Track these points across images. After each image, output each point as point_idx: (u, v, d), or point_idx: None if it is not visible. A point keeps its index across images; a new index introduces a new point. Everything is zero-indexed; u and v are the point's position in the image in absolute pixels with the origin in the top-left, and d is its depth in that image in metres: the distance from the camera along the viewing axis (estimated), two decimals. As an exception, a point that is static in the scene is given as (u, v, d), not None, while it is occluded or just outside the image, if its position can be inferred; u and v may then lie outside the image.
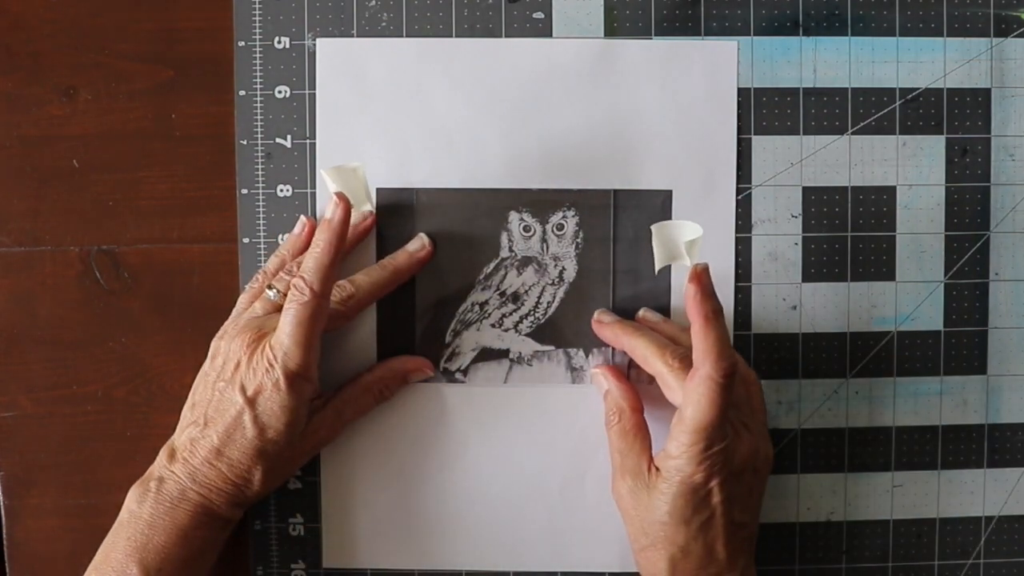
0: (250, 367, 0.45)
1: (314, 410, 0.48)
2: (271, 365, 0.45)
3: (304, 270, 0.45)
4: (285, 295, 0.47)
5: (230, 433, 0.45)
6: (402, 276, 0.50)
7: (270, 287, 0.47)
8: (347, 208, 0.46)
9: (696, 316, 0.43)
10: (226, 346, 0.46)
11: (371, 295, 0.49)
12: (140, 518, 0.45)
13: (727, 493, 0.45)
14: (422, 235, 0.51)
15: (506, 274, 0.52)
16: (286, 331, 0.45)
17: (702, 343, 0.43)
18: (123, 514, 0.46)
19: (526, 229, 0.52)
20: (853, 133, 0.52)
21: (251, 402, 0.45)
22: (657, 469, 0.46)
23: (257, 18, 0.51)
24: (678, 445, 0.44)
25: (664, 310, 0.51)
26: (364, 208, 0.48)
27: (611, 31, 0.51)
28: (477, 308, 0.52)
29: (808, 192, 0.52)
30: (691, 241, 0.45)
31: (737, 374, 0.44)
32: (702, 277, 0.43)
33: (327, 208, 0.46)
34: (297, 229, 0.50)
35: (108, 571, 0.45)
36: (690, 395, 0.44)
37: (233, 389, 0.45)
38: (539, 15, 0.51)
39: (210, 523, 0.46)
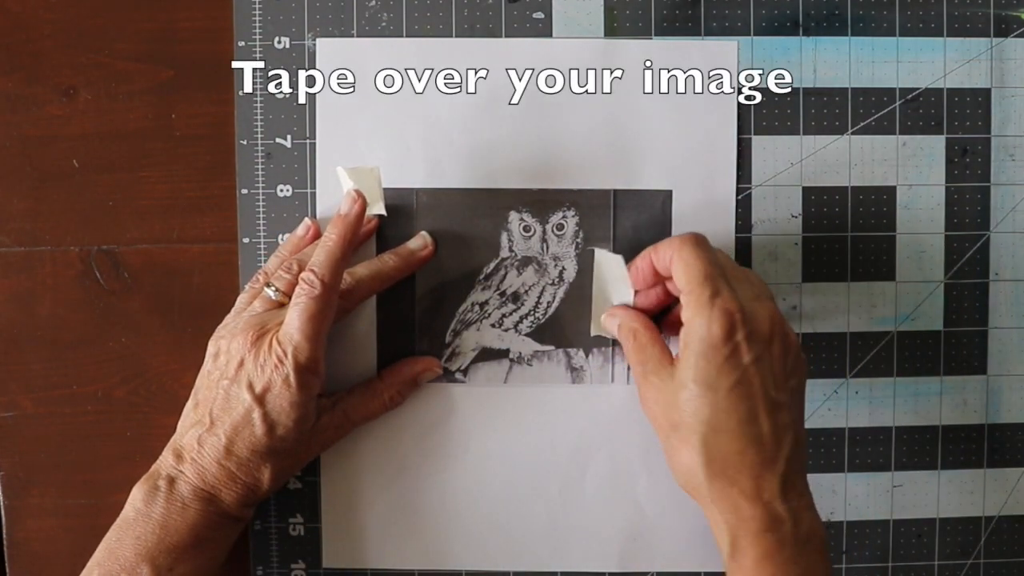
0: (257, 364, 0.45)
1: (322, 409, 0.48)
2: (280, 361, 0.45)
3: (315, 263, 0.45)
4: (285, 293, 0.47)
5: (238, 431, 0.45)
6: (402, 272, 0.50)
7: (269, 285, 0.47)
8: (363, 205, 0.47)
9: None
10: (227, 344, 0.46)
11: (370, 289, 0.49)
12: (150, 518, 0.45)
13: (756, 354, 0.43)
14: (424, 233, 0.51)
15: (506, 274, 0.52)
16: (295, 325, 0.45)
17: (668, 241, 0.46)
18: (128, 512, 0.46)
19: (526, 229, 0.52)
20: (853, 133, 0.52)
21: (260, 399, 0.45)
22: (677, 357, 0.45)
23: (257, 18, 0.51)
24: (687, 306, 0.43)
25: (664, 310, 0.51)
26: (376, 209, 0.48)
27: (611, 31, 0.51)
28: (477, 308, 0.52)
29: (808, 192, 0.52)
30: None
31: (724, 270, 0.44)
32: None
33: (343, 203, 0.47)
34: (300, 231, 0.50)
35: (116, 569, 0.45)
36: (677, 264, 0.44)
37: (240, 387, 0.45)
38: (539, 15, 0.51)
39: (221, 523, 0.46)
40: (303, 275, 0.45)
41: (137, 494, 0.46)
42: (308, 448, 0.48)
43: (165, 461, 0.47)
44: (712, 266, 0.44)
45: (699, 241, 0.45)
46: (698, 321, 0.43)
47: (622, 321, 0.48)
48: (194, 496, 0.45)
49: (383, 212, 0.48)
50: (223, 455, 0.45)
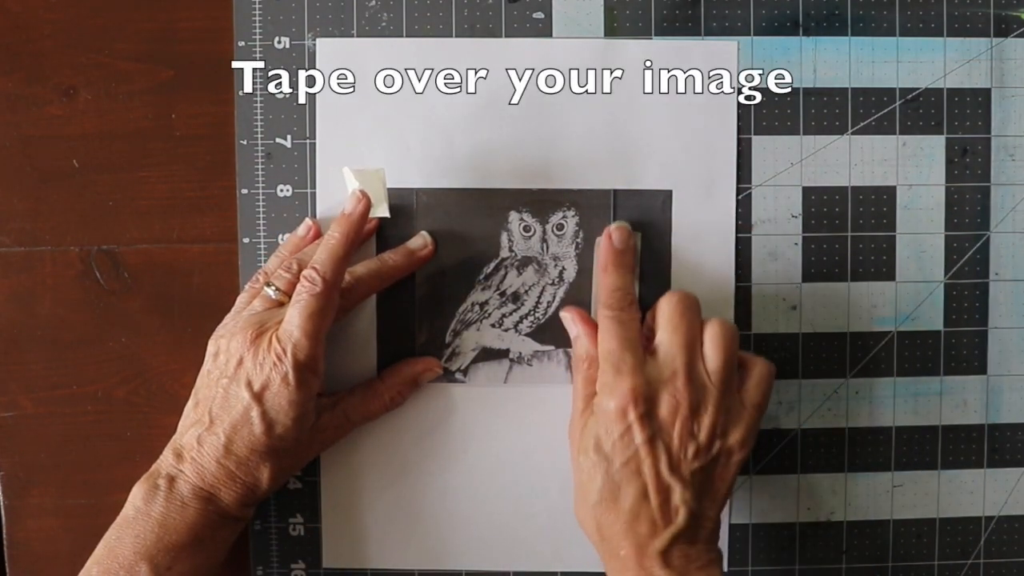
0: (256, 362, 0.45)
1: (322, 408, 0.48)
2: (279, 359, 0.45)
3: (317, 261, 0.45)
4: (285, 292, 0.47)
5: (237, 430, 0.45)
6: (401, 272, 0.50)
7: (269, 284, 0.47)
8: (367, 205, 0.47)
9: (599, 264, 0.49)
10: (226, 343, 0.46)
11: (370, 288, 0.49)
12: (150, 516, 0.45)
13: (649, 434, 0.44)
14: (424, 233, 0.51)
15: (506, 274, 0.52)
16: (295, 323, 0.45)
17: (601, 287, 0.48)
18: (128, 511, 0.46)
19: (526, 229, 0.52)
20: (853, 133, 0.52)
21: (258, 397, 0.45)
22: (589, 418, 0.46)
23: (257, 18, 0.51)
24: (599, 376, 0.46)
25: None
26: (380, 211, 0.48)
27: (611, 31, 0.51)
28: (477, 308, 0.52)
29: (808, 192, 0.52)
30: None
31: (665, 321, 0.46)
32: (612, 233, 0.49)
33: (348, 203, 0.47)
34: (301, 231, 0.50)
35: (115, 568, 0.45)
36: (600, 332, 0.47)
37: (239, 385, 0.45)
38: (539, 15, 0.51)
39: (221, 522, 0.46)
40: (305, 272, 0.45)
41: (137, 493, 0.46)
42: (308, 448, 0.48)
43: (165, 460, 0.47)
44: (620, 345, 0.45)
45: (615, 316, 0.47)
46: (598, 389, 0.46)
47: (581, 338, 0.48)
48: (193, 495, 0.45)
49: (387, 214, 0.48)
50: (222, 454, 0.45)
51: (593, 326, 0.48)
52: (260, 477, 0.46)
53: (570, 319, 0.49)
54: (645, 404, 0.44)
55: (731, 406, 0.46)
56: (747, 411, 0.46)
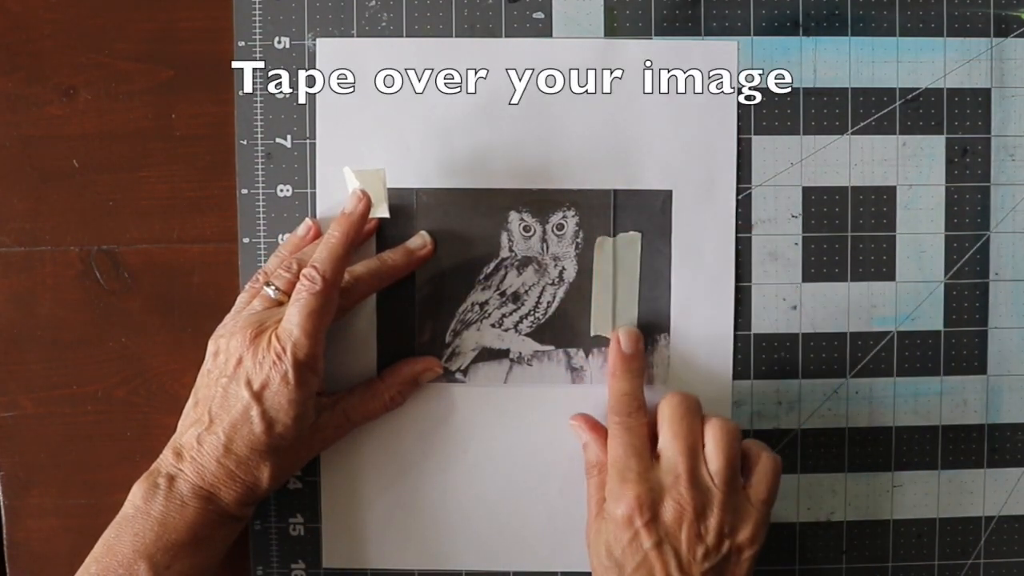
0: (255, 361, 0.45)
1: (322, 408, 0.48)
2: (279, 358, 0.45)
3: (317, 260, 0.46)
4: (285, 292, 0.47)
5: (237, 429, 0.45)
6: (401, 271, 0.50)
7: (268, 284, 0.47)
8: (368, 204, 0.47)
9: (609, 368, 0.50)
10: (226, 343, 0.46)
11: (369, 287, 0.49)
12: (149, 515, 0.45)
13: (657, 539, 0.45)
14: (423, 232, 0.51)
15: (506, 274, 0.52)
16: (295, 321, 0.45)
17: (610, 391, 0.49)
18: (127, 509, 0.46)
19: (526, 229, 0.52)
20: (853, 133, 0.52)
21: (258, 396, 0.45)
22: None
23: (257, 18, 0.51)
24: (607, 481, 0.47)
25: (664, 309, 0.51)
26: (380, 212, 0.48)
27: (611, 31, 0.51)
28: (477, 308, 0.52)
29: (808, 192, 0.52)
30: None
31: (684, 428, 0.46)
32: (621, 338, 0.50)
33: (348, 202, 0.47)
34: (301, 231, 0.50)
35: (114, 565, 0.45)
36: (608, 439, 0.48)
37: (238, 385, 0.45)
38: (539, 15, 0.51)
39: (220, 522, 0.46)
40: (305, 271, 0.45)
41: (137, 491, 0.46)
42: (308, 447, 0.48)
43: (165, 459, 0.47)
44: (626, 452, 0.47)
45: (623, 423, 0.48)
46: (608, 496, 0.47)
47: (590, 446, 0.50)
48: (193, 494, 0.45)
49: (387, 214, 0.48)
50: (222, 453, 0.45)
51: (600, 431, 0.49)
52: (260, 476, 0.46)
53: (578, 427, 0.50)
54: (650, 511, 0.45)
55: (737, 504, 0.46)
56: (754, 507, 0.46)
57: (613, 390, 0.49)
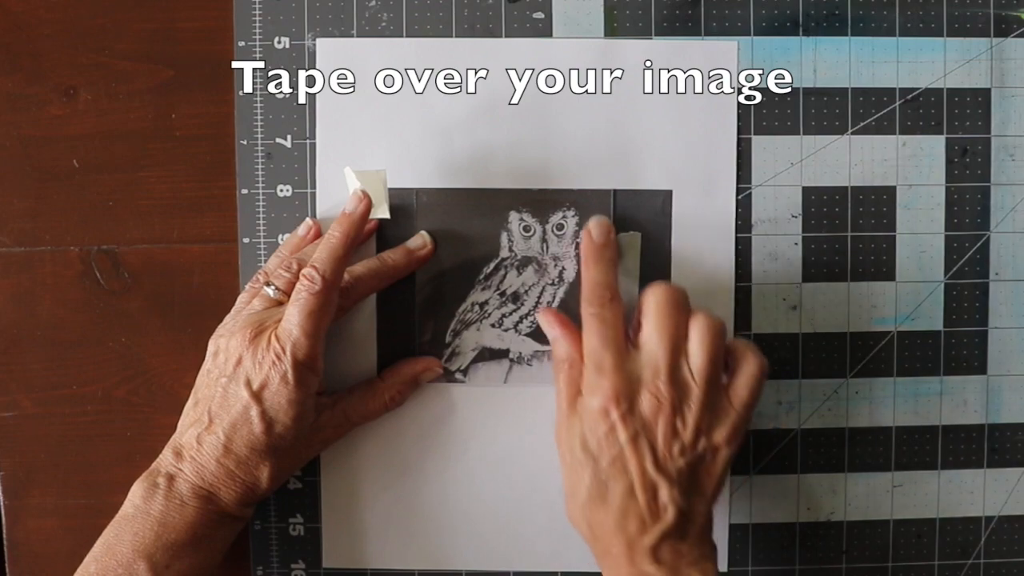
0: (255, 361, 0.45)
1: (322, 407, 0.48)
2: (278, 357, 0.45)
3: (317, 259, 0.46)
4: (285, 292, 0.47)
5: (237, 429, 0.45)
6: (401, 271, 0.50)
7: (268, 284, 0.47)
8: (369, 205, 0.47)
9: (582, 259, 0.48)
10: (226, 342, 0.46)
11: (369, 287, 0.49)
12: (148, 515, 0.45)
13: (632, 432, 0.44)
14: (423, 232, 0.51)
15: (506, 274, 0.52)
16: (295, 320, 0.45)
17: (583, 282, 0.48)
18: (127, 508, 0.46)
19: (526, 229, 0.52)
20: (853, 133, 0.52)
21: (257, 396, 0.45)
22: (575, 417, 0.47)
23: (257, 18, 0.51)
24: (583, 376, 0.46)
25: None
26: (380, 213, 0.48)
27: (611, 31, 0.51)
28: (477, 308, 0.52)
29: (808, 192, 0.52)
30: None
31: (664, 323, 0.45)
32: (592, 228, 0.48)
33: (349, 202, 0.47)
34: (302, 231, 0.50)
35: (113, 565, 0.45)
36: (583, 331, 0.47)
37: (238, 384, 0.45)
38: (539, 15, 0.51)
39: (220, 521, 0.46)
40: (304, 271, 0.45)
41: (136, 491, 0.46)
42: (307, 447, 0.48)
43: (165, 459, 0.47)
44: (601, 344, 0.45)
45: (597, 313, 0.46)
46: (585, 387, 0.46)
47: (560, 341, 0.48)
48: (193, 494, 0.45)
49: (387, 215, 0.48)
50: (222, 453, 0.45)
51: (570, 327, 0.48)
52: (259, 476, 0.46)
53: (547, 322, 0.49)
54: (627, 402, 0.45)
55: (716, 403, 0.46)
56: (734, 409, 0.46)
57: (586, 281, 0.47)
